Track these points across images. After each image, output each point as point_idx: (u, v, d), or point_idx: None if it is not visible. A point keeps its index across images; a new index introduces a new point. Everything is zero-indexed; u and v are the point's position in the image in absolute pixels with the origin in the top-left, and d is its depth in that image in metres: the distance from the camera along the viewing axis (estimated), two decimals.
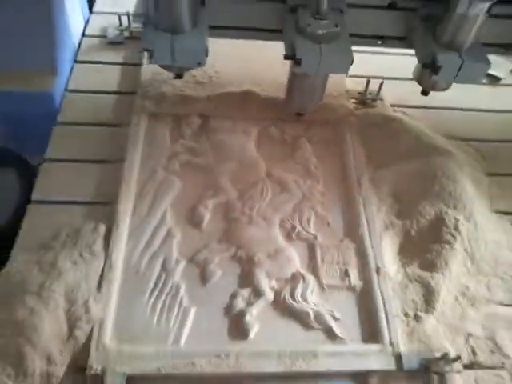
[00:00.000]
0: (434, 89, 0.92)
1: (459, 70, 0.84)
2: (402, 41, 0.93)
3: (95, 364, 0.67)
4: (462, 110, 1.12)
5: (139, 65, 1.08)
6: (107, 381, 0.66)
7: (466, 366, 0.74)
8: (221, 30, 0.88)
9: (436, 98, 0.97)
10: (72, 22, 1.08)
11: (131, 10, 1.18)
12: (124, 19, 1.15)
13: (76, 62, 1.10)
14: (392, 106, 1.08)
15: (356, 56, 0.79)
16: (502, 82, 1.21)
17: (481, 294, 0.82)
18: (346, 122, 1.01)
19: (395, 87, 1.10)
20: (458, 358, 0.71)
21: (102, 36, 1.16)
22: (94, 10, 1.22)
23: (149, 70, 1.06)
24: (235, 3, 0.87)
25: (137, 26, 1.16)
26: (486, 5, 0.78)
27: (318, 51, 0.79)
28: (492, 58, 1.14)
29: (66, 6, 1.04)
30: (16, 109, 0.99)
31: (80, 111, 1.00)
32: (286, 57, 0.81)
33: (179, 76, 0.86)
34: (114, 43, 1.14)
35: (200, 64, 0.80)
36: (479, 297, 0.82)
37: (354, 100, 1.07)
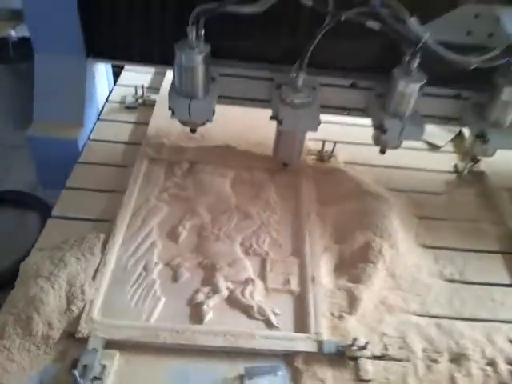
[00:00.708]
0: (386, 147, 1.18)
1: (401, 132, 1.11)
2: (362, 111, 1.22)
3: (83, 330, 0.89)
4: (401, 168, 1.37)
5: (146, 124, 1.39)
6: (90, 342, 0.87)
7: (378, 357, 0.92)
8: (226, 98, 1.19)
9: (382, 158, 1.23)
10: (99, 91, 1.41)
11: (146, 84, 1.52)
12: (139, 91, 1.48)
13: (99, 119, 1.41)
14: (344, 162, 1.34)
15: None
16: (442, 149, 1.48)
17: (397, 304, 1.02)
18: (303, 171, 1.27)
19: (347, 149, 1.37)
20: (367, 344, 0.90)
21: (121, 102, 1.48)
22: (117, 83, 1.56)
23: (153, 127, 1.37)
24: (237, 81, 1.18)
25: (149, 95, 1.49)
26: (417, 86, 1.06)
27: (295, 115, 1.07)
28: (434, 129, 1.44)
29: (96, 80, 1.37)
30: (49, 152, 1.28)
31: (97, 155, 1.29)
32: (272, 118, 1.10)
33: (193, 131, 1.16)
34: (129, 108, 1.46)
35: (208, 121, 1.10)
36: (395, 306, 1.01)
37: (313, 156, 1.34)
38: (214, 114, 1.11)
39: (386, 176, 1.33)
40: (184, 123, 1.13)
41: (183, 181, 1.23)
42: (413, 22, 0.99)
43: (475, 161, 1.36)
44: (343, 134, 1.42)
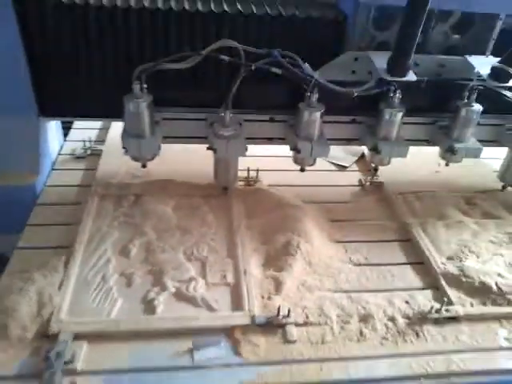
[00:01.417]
0: (304, 165, 1.44)
1: (311, 151, 1.38)
2: (281, 139, 1.49)
3: (53, 328, 1.05)
4: (316, 186, 1.65)
5: (95, 169, 1.61)
6: (60, 336, 1.03)
7: (301, 325, 1.14)
8: (169, 138, 1.42)
9: (299, 179, 1.51)
10: (51, 144, 1.63)
11: (93, 137, 1.76)
12: (87, 143, 1.71)
13: (53, 169, 1.62)
14: (268, 185, 1.61)
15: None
16: (348, 169, 1.79)
17: (315, 285, 1.25)
18: (234, 194, 1.52)
19: (270, 175, 1.64)
20: (289, 311, 1.12)
21: (72, 154, 1.70)
22: (67, 138, 1.79)
23: (102, 171, 1.59)
24: (176, 124, 1.42)
25: (96, 146, 1.72)
26: (318, 114, 1.34)
27: (226, 144, 1.32)
28: (340, 153, 1.73)
29: (48, 135, 1.59)
30: (8, 198, 1.46)
31: (53, 197, 1.48)
32: (208, 148, 1.34)
33: (144, 166, 1.38)
34: (79, 157, 1.68)
35: (156, 155, 1.33)
36: (314, 286, 1.24)
37: (241, 182, 1.60)
38: (159, 149, 1.35)
39: (303, 192, 1.60)
40: (135, 159, 1.36)
41: (130, 211, 1.43)
42: (306, 66, 1.30)
43: (374, 174, 1.67)
44: (267, 163, 1.69)
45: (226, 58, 1.28)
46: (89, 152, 1.71)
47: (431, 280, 1.30)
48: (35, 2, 1.28)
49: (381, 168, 1.61)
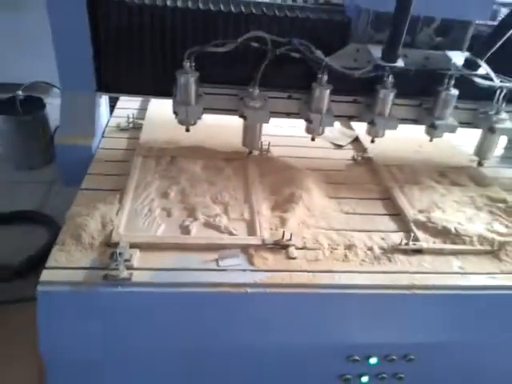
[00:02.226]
0: (314, 134, 1.80)
1: (321, 121, 1.74)
2: (297, 114, 1.83)
3: (115, 238, 1.41)
4: (317, 158, 2.01)
5: (137, 139, 1.98)
6: (120, 243, 1.39)
7: (300, 248, 1.49)
8: (208, 109, 1.77)
9: (304, 153, 1.88)
10: (102, 117, 2.01)
11: (135, 113, 2.14)
12: (130, 118, 2.09)
13: (103, 137, 2.00)
14: (278, 156, 1.97)
15: None
16: (344, 148, 2.15)
17: (312, 224, 1.60)
18: (249, 159, 1.89)
19: (278, 149, 2.01)
20: (291, 235, 1.47)
21: (117, 126, 2.08)
22: (113, 114, 2.17)
23: (143, 139, 1.96)
24: (215, 98, 1.77)
25: (137, 121, 2.09)
26: (327, 91, 1.70)
27: (253, 113, 1.69)
28: (338, 134, 2.09)
29: (101, 108, 1.97)
30: (71, 155, 1.83)
31: (106, 156, 1.85)
32: (241, 116, 1.71)
33: (187, 130, 1.74)
34: (123, 129, 2.06)
35: (198, 120, 1.70)
36: (311, 225, 1.59)
37: (256, 152, 1.96)
38: (201, 116, 1.72)
39: (306, 162, 1.95)
40: (182, 123, 1.72)
41: (167, 167, 1.80)
42: (319, 53, 1.66)
43: (365, 151, 2.03)
44: (277, 140, 2.05)
45: (255, 44, 1.65)
46: (131, 126, 2.08)
47: (404, 226, 1.64)
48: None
49: (371, 146, 1.98)
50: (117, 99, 2.30)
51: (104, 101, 2.05)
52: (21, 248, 1.87)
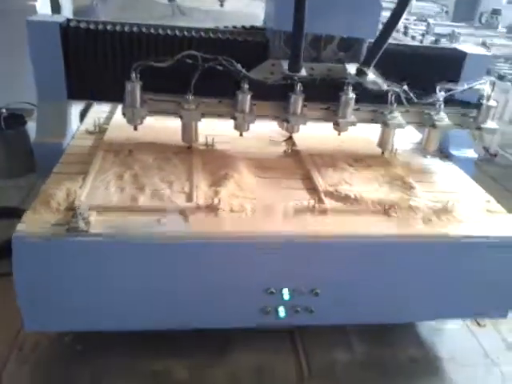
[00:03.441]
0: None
1: (243, 119, 2.16)
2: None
3: (76, 204, 1.77)
4: (254, 151, 2.42)
5: (101, 138, 2.37)
6: (81, 208, 1.74)
7: (228, 212, 1.86)
8: (152, 112, 2.18)
9: (241, 145, 2.29)
10: (73, 122, 2.40)
11: (102, 120, 2.54)
12: (97, 122, 2.49)
13: (72, 138, 2.38)
14: (222, 150, 2.37)
15: None
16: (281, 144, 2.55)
17: (240, 195, 1.98)
18: (195, 151, 2.28)
19: (222, 144, 2.41)
20: (219, 201, 1.84)
21: (86, 130, 2.48)
22: (83, 122, 2.57)
23: (107, 139, 2.35)
24: (157, 103, 2.18)
25: (103, 126, 2.49)
26: (248, 97, 2.13)
27: (188, 113, 2.10)
28: (277, 135, 2.50)
29: (72, 115, 2.37)
30: (46, 151, 2.21)
31: (74, 150, 2.24)
32: (178, 116, 2.12)
33: (135, 128, 2.14)
34: (91, 133, 2.45)
35: (142, 121, 2.11)
36: (239, 196, 1.97)
37: (202, 146, 2.35)
38: (145, 117, 2.12)
39: (245, 155, 2.35)
40: (129, 122, 2.12)
41: (124, 158, 2.18)
42: (238, 66, 2.09)
43: (294, 144, 2.44)
44: (222, 137, 2.46)
45: (189, 60, 2.07)
46: (97, 129, 2.47)
47: (317, 196, 2.03)
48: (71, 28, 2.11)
49: (300, 142, 2.40)
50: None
51: (74, 109, 2.44)
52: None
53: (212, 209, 1.84)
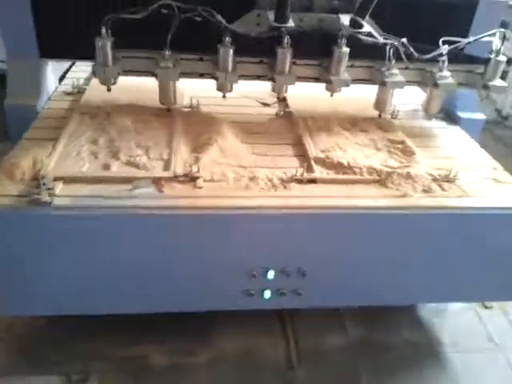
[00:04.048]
0: (223, 91, 2.03)
1: (226, 79, 1.97)
2: (209, 74, 2.06)
3: (42, 173, 1.63)
4: (244, 114, 2.24)
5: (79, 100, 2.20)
6: (45, 178, 1.60)
7: (208, 180, 1.71)
8: (127, 71, 2.00)
9: (232, 109, 2.11)
10: (49, 82, 2.23)
11: (81, 81, 2.36)
12: (75, 83, 2.31)
13: (49, 99, 2.22)
14: (207, 112, 2.19)
15: None
16: (271, 106, 2.37)
17: (222, 161, 1.81)
18: (177, 113, 2.11)
19: (209, 107, 2.23)
20: (199, 169, 1.69)
21: (63, 91, 2.31)
22: (62, 82, 2.39)
23: (84, 101, 2.18)
24: (131, 61, 1.98)
25: (82, 86, 2.32)
26: (230, 51, 1.93)
27: (166, 72, 1.92)
28: (265, 95, 2.31)
29: (47, 73, 2.19)
30: (19, 113, 2.05)
31: (49, 113, 2.08)
32: (153, 75, 1.94)
33: (109, 89, 1.97)
34: (68, 94, 2.28)
35: (115, 81, 1.93)
36: (222, 163, 1.81)
37: (186, 108, 2.18)
38: (118, 77, 1.94)
39: (232, 117, 2.17)
40: (102, 82, 1.95)
41: (101, 121, 2.02)
42: (219, 17, 1.87)
43: (287, 105, 2.25)
44: (210, 99, 2.28)
45: (164, 11, 1.86)
46: (76, 90, 2.30)
47: (306, 163, 1.86)
48: None
49: (293, 104, 2.21)
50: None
51: (50, 68, 2.26)
52: None
53: (191, 178, 1.69)
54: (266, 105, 2.37)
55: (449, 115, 2.35)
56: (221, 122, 2.05)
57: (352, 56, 1.98)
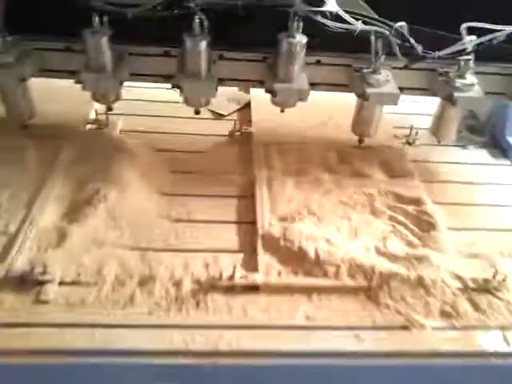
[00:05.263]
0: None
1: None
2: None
3: None
4: (182, 134, 1.48)
5: None
6: None
7: (66, 283, 0.99)
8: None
9: (167, 128, 1.45)
10: None
11: None
12: None
13: None
14: (120, 130, 1.44)
15: None
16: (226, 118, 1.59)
17: (109, 240, 1.08)
18: (72, 138, 1.36)
19: (132, 119, 1.47)
20: (46, 268, 0.97)
21: None
22: None
23: None
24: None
25: None
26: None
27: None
28: (223, 101, 1.52)
29: None
30: None
31: None
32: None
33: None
34: None
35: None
36: (107, 241, 1.07)
37: (90, 125, 1.43)
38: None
39: (159, 140, 1.43)
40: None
41: None
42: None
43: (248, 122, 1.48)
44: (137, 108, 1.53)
45: None
46: None
47: (251, 242, 1.12)
48: None
49: (259, 114, 1.49)
50: None
51: None
52: None
53: (33, 281, 0.98)
54: (219, 116, 1.59)
55: (495, 141, 1.54)
56: (132, 154, 1.31)
57: (320, 48, 1.18)
